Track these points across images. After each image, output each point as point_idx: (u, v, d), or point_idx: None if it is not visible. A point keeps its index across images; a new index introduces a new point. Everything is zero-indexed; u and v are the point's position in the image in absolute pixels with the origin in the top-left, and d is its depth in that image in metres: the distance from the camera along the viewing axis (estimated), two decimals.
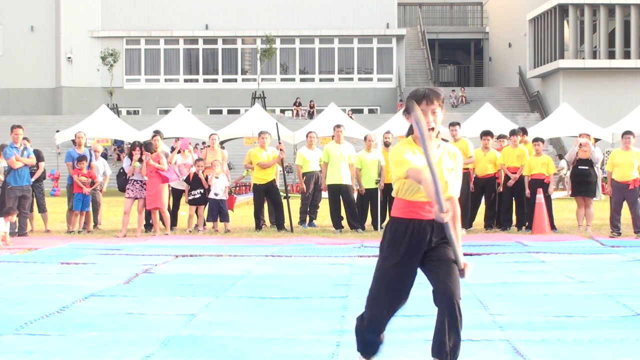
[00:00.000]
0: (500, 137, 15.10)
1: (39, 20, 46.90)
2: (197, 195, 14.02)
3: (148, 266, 9.40)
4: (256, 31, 46.36)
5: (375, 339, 4.79)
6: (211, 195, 13.98)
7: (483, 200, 14.37)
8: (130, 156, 13.57)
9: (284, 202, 14.17)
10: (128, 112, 45.99)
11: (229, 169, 17.48)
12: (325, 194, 14.61)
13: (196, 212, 14.15)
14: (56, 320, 6.26)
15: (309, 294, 7.49)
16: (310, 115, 42.48)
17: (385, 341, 5.56)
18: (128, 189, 13.43)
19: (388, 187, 14.54)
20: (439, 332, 4.71)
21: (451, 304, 4.77)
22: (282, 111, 45.24)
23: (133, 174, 13.41)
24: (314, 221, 14.99)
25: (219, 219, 14.01)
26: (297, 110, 44.38)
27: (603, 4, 41.24)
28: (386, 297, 4.77)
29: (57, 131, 33.37)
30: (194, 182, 14.07)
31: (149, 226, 14.03)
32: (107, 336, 5.68)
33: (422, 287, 7.87)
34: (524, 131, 15.28)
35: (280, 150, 14.18)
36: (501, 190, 14.07)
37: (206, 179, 14.10)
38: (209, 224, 14.45)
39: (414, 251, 4.61)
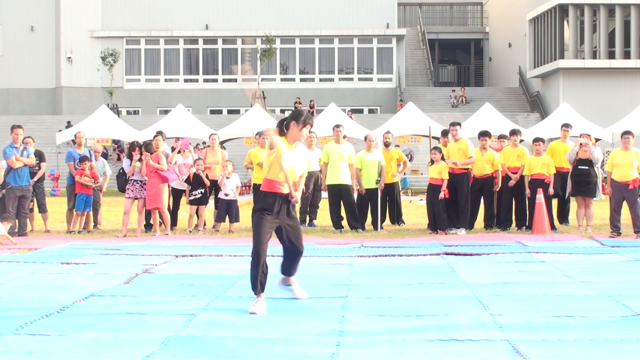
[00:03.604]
0: (501, 137, 15.11)
1: (39, 20, 46.89)
2: (198, 196, 14.02)
3: (148, 266, 9.40)
4: (256, 31, 46.36)
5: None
6: (221, 196, 13.97)
7: (482, 200, 14.36)
8: (130, 156, 13.58)
9: None
10: (128, 112, 45.99)
11: None
12: (325, 194, 14.60)
13: (197, 212, 14.15)
14: (56, 320, 6.26)
15: (309, 294, 7.49)
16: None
17: (384, 340, 5.57)
18: (128, 189, 13.44)
19: (388, 187, 14.56)
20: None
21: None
22: (282, 111, 45.24)
23: (133, 174, 13.42)
24: (314, 221, 15.00)
25: (227, 220, 13.98)
26: (297, 106, 44.34)
27: (603, 4, 41.23)
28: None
29: (68, 125, 33.40)
30: (195, 182, 14.07)
31: (149, 226, 14.04)
32: (107, 336, 5.68)
33: (422, 287, 7.90)
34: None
35: None
36: (498, 189, 14.08)
37: (207, 178, 14.10)
38: (210, 224, 14.45)
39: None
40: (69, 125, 39.81)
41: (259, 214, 6.96)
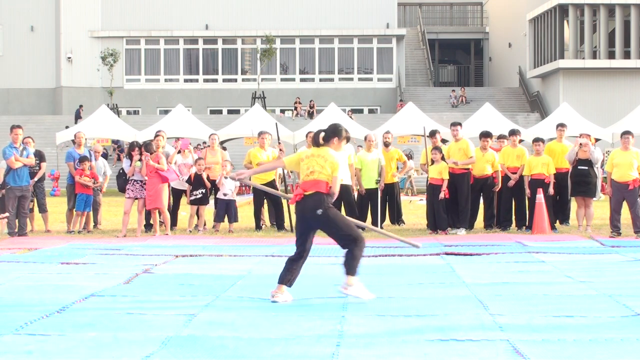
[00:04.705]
0: (500, 137, 15.10)
1: (39, 20, 46.88)
2: (199, 196, 14.02)
3: (148, 266, 9.40)
4: (256, 31, 46.35)
5: None
6: (219, 196, 13.97)
7: (482, 200, 14.35)
8: (130, 157, 13.58)
9: (284, 202, 14.17)
10: (128, 112, 45.98)
11: None
12: None
13: (197, 212, 14.14)
14: (56, 320, 6.26)
15: (309, 294, 7.49)
16: (310, 115, 42.49)
17: (384, 340, 5.57)
18: (128, 189, 13.44)
19: (388, 187, 14.55)
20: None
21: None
22: (282, 111, 45.23)
23: (133, 174, 13.42)
24: None
25: (226, 220, 13.96)
26: (297, 106, 44.41)
27: (603, 4, 41.23)
28: None
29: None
30: (196, 182, 14.07)
31: (149, 226, 14.03)
32: (107, 336, 5.68)
33: (421, 287, 7.90)
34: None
35: (280, 150, 14.17)
36: (498, 190, 14.07)
37: (207, 178, 14.10)
38: (210, 224, 14.44)
39: None
40: (79, 109, 40.76)
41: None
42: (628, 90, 40.36)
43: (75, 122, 39.11)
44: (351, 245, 7.11)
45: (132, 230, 13.60)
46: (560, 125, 15.03)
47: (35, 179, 13.95)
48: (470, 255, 10.52)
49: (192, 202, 14.08)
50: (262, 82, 45.40)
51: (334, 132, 7.30)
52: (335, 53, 48.00)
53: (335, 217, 7.09)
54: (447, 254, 10.58)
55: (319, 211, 7.00)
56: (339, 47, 47.92)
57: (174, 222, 14.30)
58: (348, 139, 7.46)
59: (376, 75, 47.92)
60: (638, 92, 39.36)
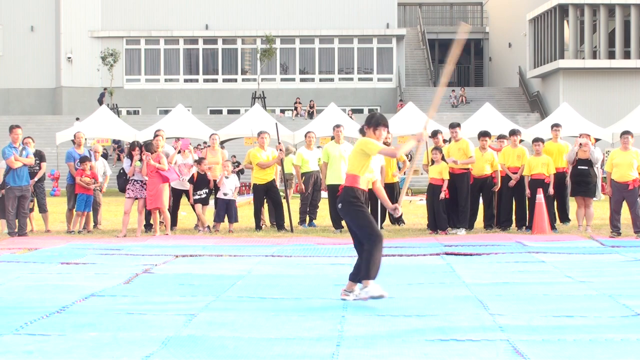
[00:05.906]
0: (500, 137, 15.09)
1: (39, 20, 46.91)
2: (203, 195, 14.01)
3: (148, 266, 9.40)
4: (256, 31, 46.37)
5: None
6: (219, 196, 13.96)
7: (481, 200, 14.35)
8: (130, 156, 13.57)
9: (284, 202, 14.18)
10: (128, 112, 46.00)
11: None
12: (325, 194, 14.61)
13: (196, 211, 14.12)
14: (56, 320, 6.26)
15: (309, 294, 7.49)
16: (310, 115, 42.49)
17: (384, 340, 5.58)
18: (128, 189, 13.43)
19: (388, 187, 14.54)
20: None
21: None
22: (282, 111, 45.25)
23: (133, 174, 13.42)
24: (314, 221, 15.00)
25: (226, 220, 13.95)
26: (297, 106, 44.42)
27: (603, 4, 41.25)
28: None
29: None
30: (198, 182, 14.05)
31: (149, 226, 14.03)
32: (107, 336, 5.68)
33: (422, 287, 7.90)
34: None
35: (280, 150, 14.16)
36: (497, 190, 14.06)
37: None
38: (210, 224, 14.43)
39: None
40: (104, 92, 41.42)
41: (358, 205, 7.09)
42: (628, 90, 40.38)
43: (100, 104, 39.64)
44: (367, 242, 6.97)
45: (132, 230, 13.60)
46: (555, 126, 15.03)
47: (36, 179, 13.96)
48: (470, 255, 10.52)
49: (195, 202, 14.06)
50: (262, 82, 45.41)
51: (367, 122, 7.31)
52: (335, 53, 48.01)
53: (354, 214, 7.08)
54: (447, 254, 10.58)
55: (339, 205, 7.19)
56: (339, 47, 47.94)
57: (174, 222, 14.30)
58: (385, 125, 7.27)
59: (376, 75, 47.93)
60: (638, 92, 39.38)
